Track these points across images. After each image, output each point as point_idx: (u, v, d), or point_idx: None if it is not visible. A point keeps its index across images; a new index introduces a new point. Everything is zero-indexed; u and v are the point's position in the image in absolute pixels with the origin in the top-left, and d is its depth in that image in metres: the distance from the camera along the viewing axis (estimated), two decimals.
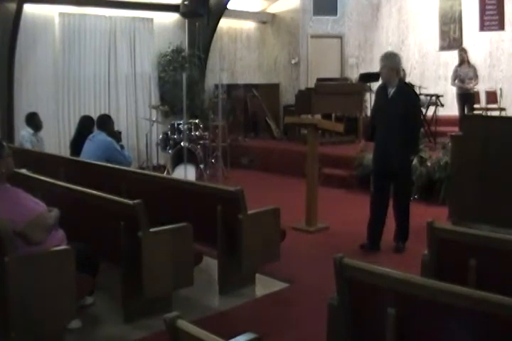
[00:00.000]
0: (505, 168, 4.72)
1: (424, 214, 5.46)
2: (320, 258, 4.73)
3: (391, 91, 4.92)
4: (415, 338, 2.05)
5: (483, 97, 10.26)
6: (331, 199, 6.53)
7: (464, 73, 9.36)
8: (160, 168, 9.30)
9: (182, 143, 8.12)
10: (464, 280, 2.39)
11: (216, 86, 10.03)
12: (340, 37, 11.74)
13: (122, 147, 6.48)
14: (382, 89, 5.02)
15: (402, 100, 4.85)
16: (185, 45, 10.62)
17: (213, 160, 9.21)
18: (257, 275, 4.33)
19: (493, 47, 10.96)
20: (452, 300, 1.89)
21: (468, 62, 9.48)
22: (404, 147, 4.87)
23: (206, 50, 10.73)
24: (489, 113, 9.73)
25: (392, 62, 4.90)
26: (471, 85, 9.37)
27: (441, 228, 2.69)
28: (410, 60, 12.08)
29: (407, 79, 10.27)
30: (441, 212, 5.57)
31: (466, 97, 9.36)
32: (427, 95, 9.46)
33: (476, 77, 9.42)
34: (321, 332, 2.56)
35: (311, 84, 10.88)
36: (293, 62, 11.65)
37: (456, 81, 9.44)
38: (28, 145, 6.99)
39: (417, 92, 9.17)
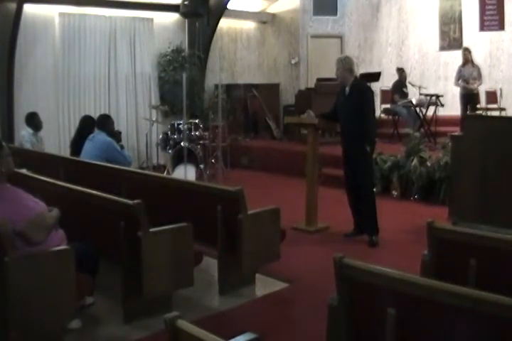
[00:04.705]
0: (505, 168, 4.72)
1: (424, 214, 5.48)
2: (320, 258, 4.73)
3: (347, 89, 5.37)
4: (415, 338, 2.05)
5: (483, 97, 10.26)
6: (331, 200, 6.53)
7: (468, 73, 9.32)
8: (160, 168, 9.30)
9: (182, 143, 8.11)
10: (464, 280, 2.39)
11: (216, 86, 10.03)
12: (340, 37, 11.74)
13: (122, 147, 6.48)
14: (341, 89, 5.47)
15: (355, 97, 5.29)
16: (185, 45, 10.62)
17: (213, 160, 9.22)
18: (257, 275, 4.33)
19: (493, 47, 10.96)
20: (452, 300, 1.89)
21: (472, 62, 9.44)
22: (358, 137, 5.23)
23: (206, 50, 10.73)
24: (489, 113, 9.72)
25: (345, 63, 5.35)
26: (475, 85, 9.34)
27: (441, 228, 2.69)
28: (410, 60, 12.10)
29: (407, 79, 10.32)
30: (441, 212, 5.58)
31: (470, 97, 9.32)
32: (427, 95, 9.46)
33: (479, 77, 9.39)
34: (321, 332, 2.56)
35: (311, 84, 10.89)
36: (293, 62, 11.65)
37: (460, 81, 9.38)
38: (28, 146, 7.00)
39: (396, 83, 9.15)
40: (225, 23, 11.26)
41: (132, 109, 9.77)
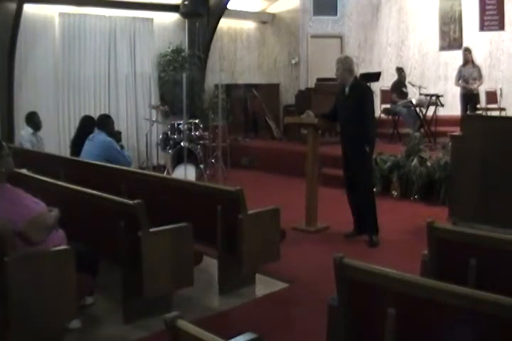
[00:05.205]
0: (505, 168, 4.72)
1: (424, 214, 5.48)
2: (320, 258, 4.73)
3: (347, 89, 5.36)
4: (415, 338, 2.05)
5: (483, 97, 10.26)
6: (331, 199, 6.52)
7: (468, 73, 9.34)
8: (160, 168, 9.30)
9: (182, 143, 8.12)
10: (464, 280, 2.39)
11: (216, 86, 10.03)
12: (340, 37, 11.75)
13: (122, 147, 6.49)
14: (341, 89, 5.48)
15: (355, 97, 5.29)
16: (185, 45, 10.61)
17: (213, 160, 9.22)
18: (257, 275, 4.33)
19: (493, 47, 10.96)
20: (452, 300, 1.89)
21: (473, 62, 9.47)
22: (358, 137, 5.24)
23: (206, 50, 10.73)
24: (489, 113, 9.72)
25: (345, 64, 5.35)
26: (475, 86, 9.35)
27: (441, 228, 2.69)
28: (410, 60, 12.09)
29: (407, 79, 10.31)
30: (441, 212, 5.57)
31: (470, 97, 9.34)
32: (427, 95, 9.46)
33: (480, 77, 9.41)
34: (321, 332, 2.57)
35: (311, 84, 10.89)
36: (293, 62, 11.65)
37: (460, 81, 9.41)
38: (28, 146, 7.00)
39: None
40: (225, 23, 11.26)
41: (132, 109, 9.76)
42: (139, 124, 9.72)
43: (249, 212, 3.98)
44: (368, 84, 8.40)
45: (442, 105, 9.39)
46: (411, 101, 9.63)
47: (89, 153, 5.83)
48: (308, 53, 11.56)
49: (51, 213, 3.25)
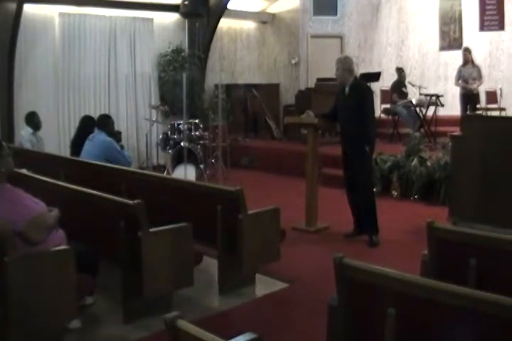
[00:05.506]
0: (505, 168, 4.72)
1: (424, 214, 5.48)
2: (320, 258, 4.73)
3: (347, 89, 5.35)
4: (415, 338, 2.05)
5: (483, 97, 10.26)
6: (331, 199, 6.53)
7: (468, 73, 9.36)
8: (160, 168, 9.30)
9: (182, 143, 8.12)
10: (464, 280, 2.39)
11: (216, 86, 10.03)
12: (340, 37, 11.75)
13: (122, 147, 6.49)
14: (341, 89, 5.49)
15: (354, 97, 5.29)
16: (185, 45, 10.62)
17: (213, 160, 9.22)
18: (257, 275, 4.33)
19: (493, 47, 10.96)
20: (452, 300, 1.89)
21: (473, 62, 9.48)
22: (358, 137, 5.24)
23: (206, 50, 10.73)
24: (489, 113, 9.72)
25: (344, 64, 5.35)
26: (475, 86, 9.37)
27: (441, 228, 2.69)
28: (410, 60, 12.09)
29: (407, 79, 10.31)
30: (441, 212, 5.57)
31: (470, 97, 9.35)
32: (427, 95, 9.46)
33: (480, 77, 9.43)
34: (321, 332, 2.56)
35: (311, 84, 10.90)
36: (293, 62, 11.65)
37: (460, 81, 9.43)
38: (28, 145, 7.00)
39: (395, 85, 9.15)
40: (225, 23, 11.26)
41: (132, 109, 9.76)
42: (139, 124, 9.72)
43: (249, 212, 3.98)
44: (368, 84, 8.39)
45: (442, 105, 9.39)
46: (411, 101, 9.63)
47: (89, 153, 5.83)
48: (308, 53, 11.56)
49: (51, 213, 3.25)
